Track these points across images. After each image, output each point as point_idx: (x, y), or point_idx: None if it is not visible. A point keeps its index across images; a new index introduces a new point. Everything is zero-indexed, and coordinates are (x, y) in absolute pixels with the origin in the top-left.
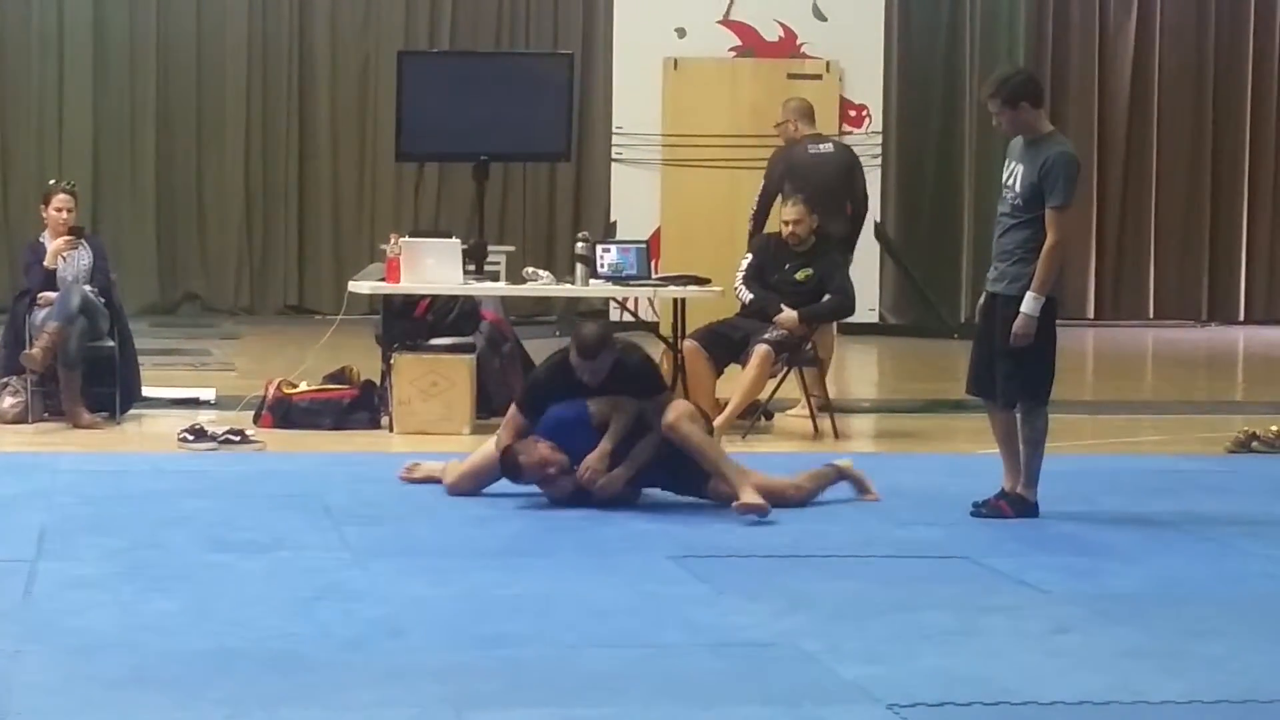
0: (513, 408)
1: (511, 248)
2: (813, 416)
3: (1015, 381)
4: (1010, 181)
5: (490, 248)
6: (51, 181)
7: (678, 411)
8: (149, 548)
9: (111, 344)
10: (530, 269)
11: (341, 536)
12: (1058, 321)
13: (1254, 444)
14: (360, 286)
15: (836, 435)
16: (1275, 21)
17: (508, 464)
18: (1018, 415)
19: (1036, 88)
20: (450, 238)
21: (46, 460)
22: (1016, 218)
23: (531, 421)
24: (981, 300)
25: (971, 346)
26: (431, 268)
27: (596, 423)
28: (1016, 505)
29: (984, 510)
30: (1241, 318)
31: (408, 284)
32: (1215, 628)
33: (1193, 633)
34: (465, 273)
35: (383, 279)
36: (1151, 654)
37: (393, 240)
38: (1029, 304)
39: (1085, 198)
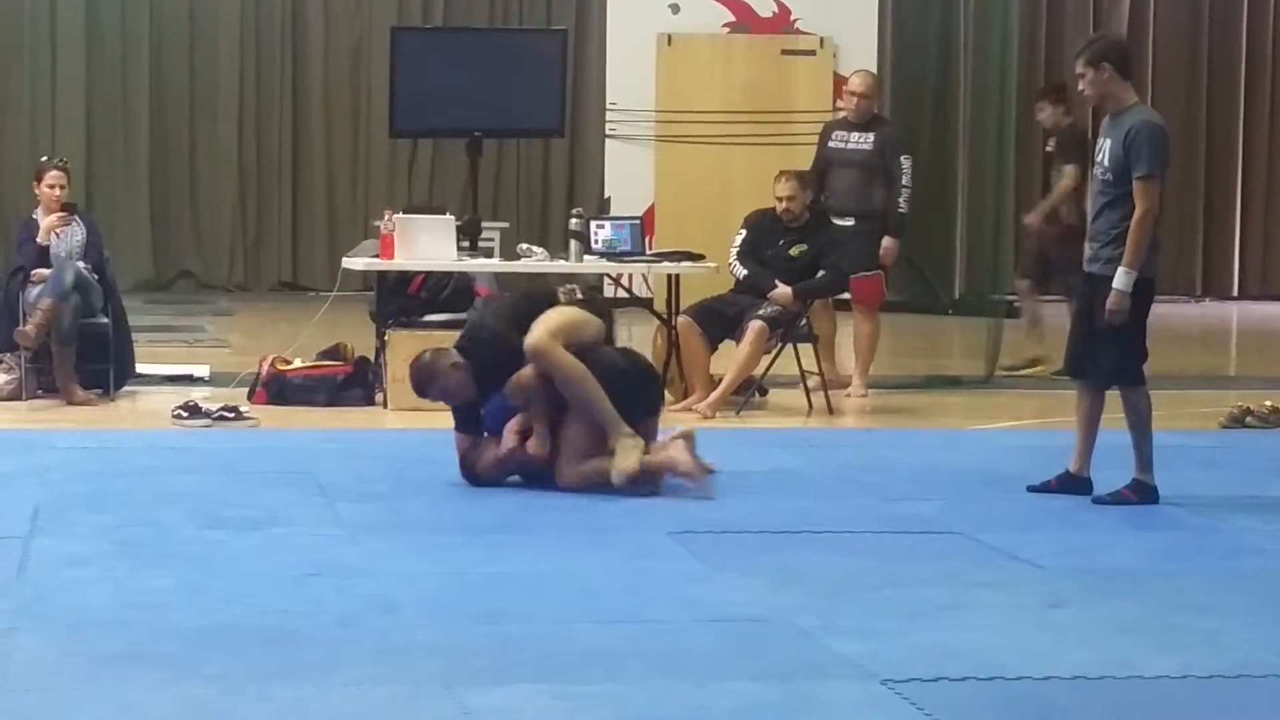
0: (455, 434)
1: (506, 224)
2: (807, 393)
3: (1109, 362)
4: (1100, 158)
5: (484, 224)
6: (44, 158)
7: (539, 330)
8: (143, 525)
9: (105, 320)
10: (524, 245)
11: (335, 513)
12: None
13: (1248, 419)
14: (354, 263)
15: (831, 411)
16: (1269, 2)
17: (470, 478)
18: (1120, 398)
19: (1122, 53)
20: (444, 214)
21: (40, 437)
22: (1107, 195)
23: (475, 434)
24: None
25: (1070, 327)
26: (425, 244)
27: (520, 409)
28: (1139, 491)
29: (1107, 500)
30: (1236, 293)
31: (401, 261)
32: (1209, 603)
33: (1186, 608)
34: (459, 249)
35: (376, 255)
36: (1145, 629)
37: (386, 217)
38: (1120, 280)
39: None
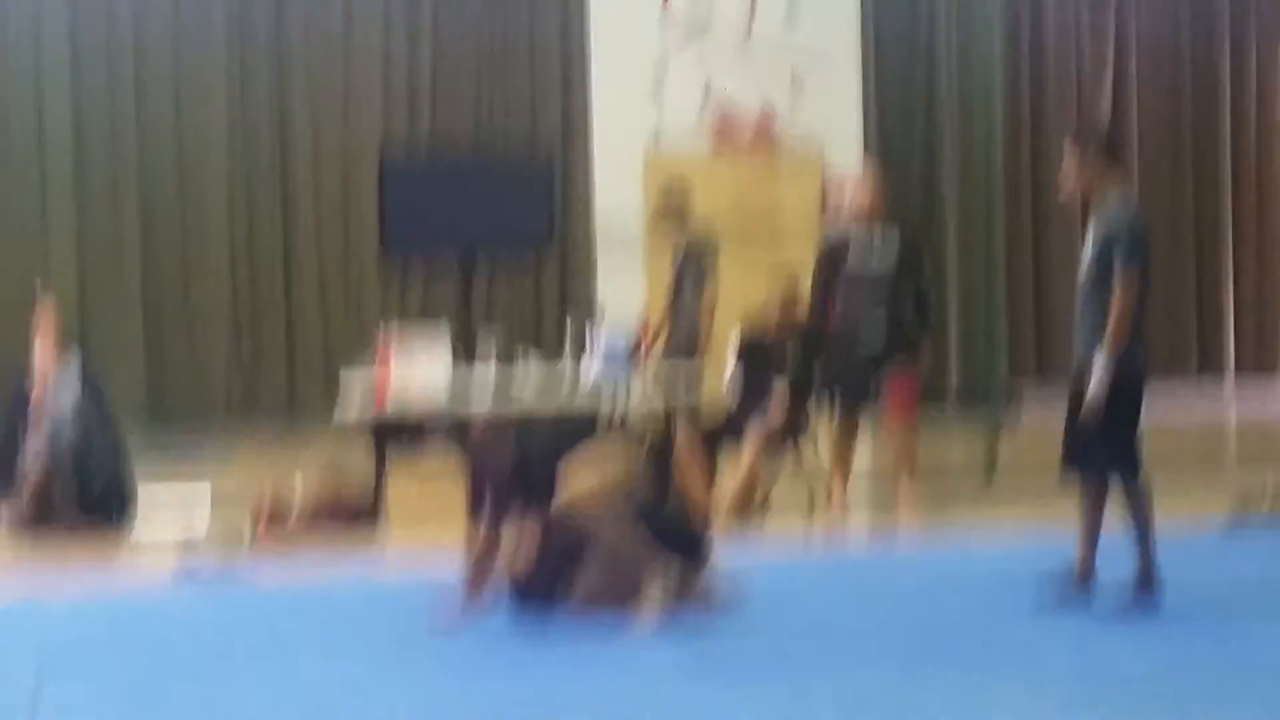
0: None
1: (499, 327)
2: (810, 491)
3: (1106, 454)
4: (1086, 248)
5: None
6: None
7: (590, 505)
8: (145, 695)
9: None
10: (520, 347)
11: (342, 666)
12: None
13: (1253, 507)
14: (349, 409)
15: (836, 522)
16: (1246, 64)
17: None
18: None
19: (1106, 138)
20: (439, 326)
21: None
22: (1091, 283)
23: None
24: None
25: (1065, 420)
26: (420, 386)
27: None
28: (1145, 586)
29: (1114, 600)
30: (1231, 369)
31: (397, 408)
32: (1222, 705)
33: (1200, 712)
34: (455, 356)
35: (371, 383)
36: None
37: (381, 343)
38: (1100, 369)
39: (1157, 259)
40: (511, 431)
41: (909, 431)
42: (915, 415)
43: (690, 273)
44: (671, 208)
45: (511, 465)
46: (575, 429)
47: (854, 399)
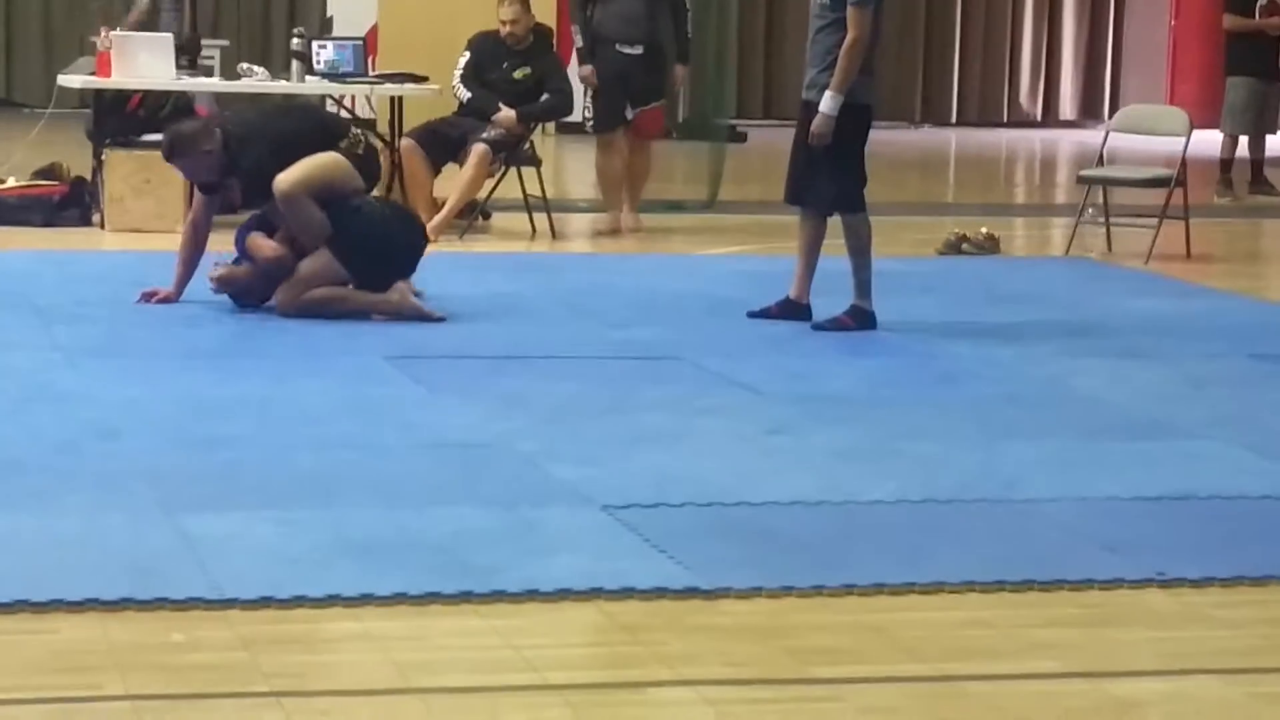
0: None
1: (225, 42)
2: (529, 216)
3: (829, 189)
4: None
5: (204, 42)
6: None
7: (290, 177)
8: None
9: None
10: (245, 65)
11: (52, 336)
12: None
13: (964, 246)
14: (70, 80)
15: (554, 235)
16: None
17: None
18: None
19: None
20: (162, 40)
21: None
22: (824, 19)
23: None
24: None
25: (790, 154)
26: (144, 63)
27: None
28: (857, 317)
29: (826, 326)
30: (954, 119)
31: (119, 79)
32: (924, 428)
33: (902, 433)
34: (178, 68)
35: (93, 73)
36: (862, 454)
37: (103, 33)
38: (826, 103)
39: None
40: (218, 125)
41: (645, 158)
42: (652, 140)
43: None
44: None
45: (219, 160)
46: (291, 128)
47: (610, 122)
